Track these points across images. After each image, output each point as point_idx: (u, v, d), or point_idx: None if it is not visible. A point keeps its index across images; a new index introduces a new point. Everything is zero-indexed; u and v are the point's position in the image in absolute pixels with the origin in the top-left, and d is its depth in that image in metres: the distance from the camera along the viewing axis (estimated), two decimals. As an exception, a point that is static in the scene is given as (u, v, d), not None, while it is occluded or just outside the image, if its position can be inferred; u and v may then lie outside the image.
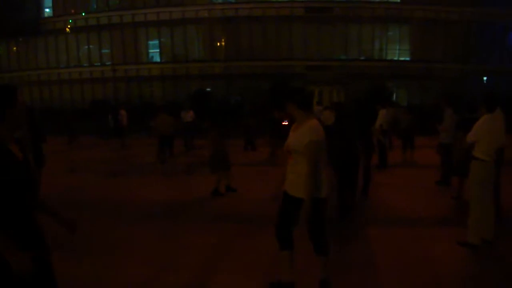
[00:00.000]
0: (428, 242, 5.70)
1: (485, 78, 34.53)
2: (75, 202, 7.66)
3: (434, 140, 10.23)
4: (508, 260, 5.17)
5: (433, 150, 10.05)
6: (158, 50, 36.42)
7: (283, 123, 16.73)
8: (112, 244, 5.62)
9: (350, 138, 6.93)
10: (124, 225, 6.55)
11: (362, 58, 33.61)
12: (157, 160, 12.50)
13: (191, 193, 8.86)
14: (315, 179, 3.75)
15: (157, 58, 36.56)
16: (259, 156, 14.25)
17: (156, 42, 36.46)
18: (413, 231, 6.29)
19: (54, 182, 8.65)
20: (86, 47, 38.09)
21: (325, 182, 3.89)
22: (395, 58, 34.12)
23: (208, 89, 32.47)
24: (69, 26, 36.75)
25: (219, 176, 8.35)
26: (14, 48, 40.62)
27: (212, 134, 8.47)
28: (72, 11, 37.60)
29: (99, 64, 37.24)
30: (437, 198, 8.06)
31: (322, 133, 3.86)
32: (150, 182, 10.30)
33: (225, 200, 8.12)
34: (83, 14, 37.18)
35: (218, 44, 35.05)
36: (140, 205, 7.82)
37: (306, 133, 3.77)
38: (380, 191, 8.60)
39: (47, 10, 39.42)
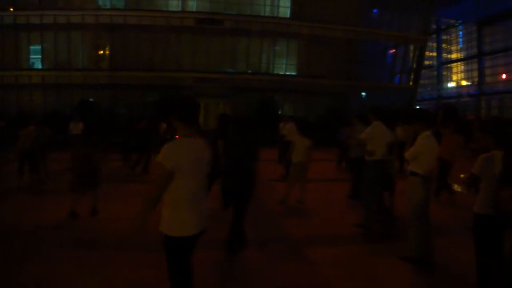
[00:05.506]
0: (369, 258, 5.92)
1: (363, 93, 36.37)
2: None
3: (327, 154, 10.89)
4: (449, 269, 5.56)
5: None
6: (40, 56, 34.24)
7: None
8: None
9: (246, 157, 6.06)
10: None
11: (250, 71, 33.96)
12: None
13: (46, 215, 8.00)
14: (150, 207, 3.26)
15: (38, 65, 34.37)
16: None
17: (38, 47, 34.25)
18: (350, 248, 6.41)
19: None
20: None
21: (195, 217, 3.37)
22: (282, 73, 34.87)
23: (91, 99, 31.09)
24: None
25: (77, 196, 7.74)
26: None
27: (77, 148, 7.86)
28: None
29: (-28, 68, 34.35)
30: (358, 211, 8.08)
31: (183, 154, 3.31)
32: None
33: (87, 223, 7.53)
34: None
35: (104, 52, 33.82)
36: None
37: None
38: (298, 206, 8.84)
39: None
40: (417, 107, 42.37)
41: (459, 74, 58.55)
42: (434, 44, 59.42)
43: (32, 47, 34.44)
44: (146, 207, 3.29)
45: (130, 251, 5.76)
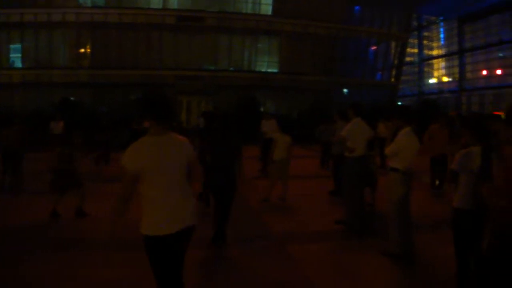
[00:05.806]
0: (351, 255, 5.94)
1: (345, 90, 36.66)
2: None
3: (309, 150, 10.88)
4: (430, 264, 5.56)
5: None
6: (20, 55, 33.74)
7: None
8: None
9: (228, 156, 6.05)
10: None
11: (232, 69, 34.00)
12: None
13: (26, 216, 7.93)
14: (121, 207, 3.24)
15: (18, 64, 33.84)
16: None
17: (18, 46, 33.74)
18: (332, 244, 6.49)
19: None
20: None
21: (169, 215, 3.26)
22: (264, 70, 34.94)
23: (72, 98, 30.63)
24: None
25: (59, 196, 7.66)
26: None
27: (59, 149, 7.76)
28: None
29: (-49, 68, 33.66)
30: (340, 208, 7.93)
31: (148, 154, 3.21)
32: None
33: (71, 223, 7.46)
34: None
35: (85, 50, 33.44)
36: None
37: None
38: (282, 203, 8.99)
39: None
40: (399, 103, 42.81)
41: (440, 71, 59.29)
42: (416, 41, 60.08)
43: (12, 46, 33.95)
44: (116, 207, 3.28)
45: (116, 250, 5.71)
